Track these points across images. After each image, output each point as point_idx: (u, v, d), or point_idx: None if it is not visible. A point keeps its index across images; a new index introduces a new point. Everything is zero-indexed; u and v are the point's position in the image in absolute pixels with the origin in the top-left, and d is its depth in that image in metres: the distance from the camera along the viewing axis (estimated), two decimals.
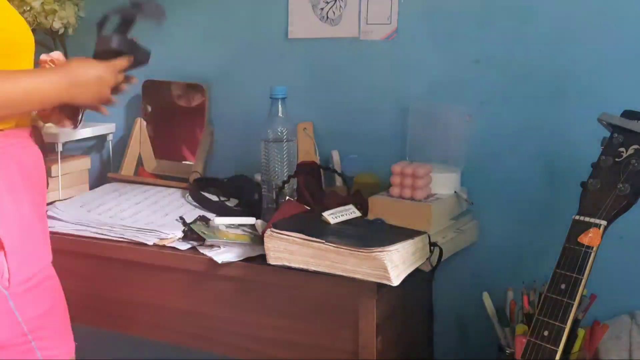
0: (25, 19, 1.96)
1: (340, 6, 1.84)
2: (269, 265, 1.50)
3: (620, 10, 1.57)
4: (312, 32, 1.89)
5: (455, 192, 1.64)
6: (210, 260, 1.53)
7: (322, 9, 1.86)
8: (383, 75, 1.82)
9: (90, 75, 1.31)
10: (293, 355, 1.53)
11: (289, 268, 1.45)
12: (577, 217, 1.25)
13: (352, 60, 1.85)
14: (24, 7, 1.97)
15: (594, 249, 1.22)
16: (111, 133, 2.15)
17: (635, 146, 1.25)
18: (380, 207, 1.59)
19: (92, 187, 2.18)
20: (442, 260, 1.52)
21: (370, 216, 1.61)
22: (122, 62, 1.37)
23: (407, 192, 1.58)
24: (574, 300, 1.21)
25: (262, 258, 1.53)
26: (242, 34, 1.98)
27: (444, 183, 1.63)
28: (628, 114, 1.29)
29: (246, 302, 1.56)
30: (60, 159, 2.02)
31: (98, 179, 2.21)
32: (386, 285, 1.40)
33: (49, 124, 1.69)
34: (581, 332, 1.43)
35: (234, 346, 1.60)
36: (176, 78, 2.09)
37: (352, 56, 1.85)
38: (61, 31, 2.04)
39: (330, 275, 1.44)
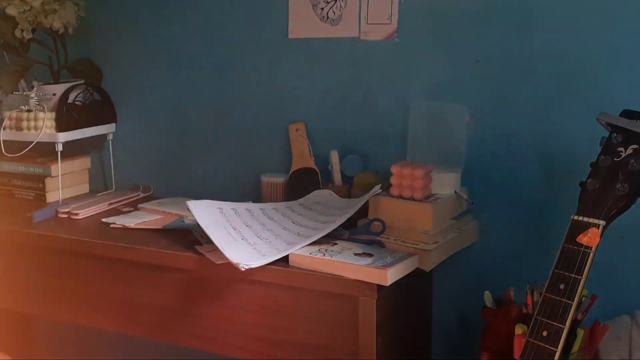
0: (25, 18, 1.97)
1: (340, 6, 1.84)
2: (269, 265, 1.50)
3: (620, 10, 1.57)
4: (312, 32, 1.88)
5: (455, 192, 1.64)
6: (210, 260, 1.53)
7: (322, 9, 1.86)
8: (383, 75, 1.82)
9: None
10: (293, 355, 1.53)
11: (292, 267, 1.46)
12: (575, 217, 1.24)
13: (352, 60, 1.85)
14: (24, 7, 1.97)
15: (593, 249, 1.21)
16: (111, 133, 2.15)
17: (634, 146, 1.24)
18: (380, 207, 1.59)
19: (91, 187, 2.18)
20: (442, 259, 1.53)
21: (370, 216, 1.61)
22: None
23: (407, 192, 1.58)
24: (573, 301, 1.21)
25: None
26: (242, 34, 1.98)
27: (444, 183, 1.63)
28: (627, 114, 1.29)
29: (246, 302, 1.56)
30: (60, 159, 2.02)
31: (98, 179, 2.21)
32: (386, 285, 1.40)
33: None
34: (581, 332, 1.43)
35: (234, 346, 1.60)
36: (176, 78, 2.09)
37: (352, 56, 1.85)
38: (61, 31, 2.03)
39: (331, 275, 1.44)
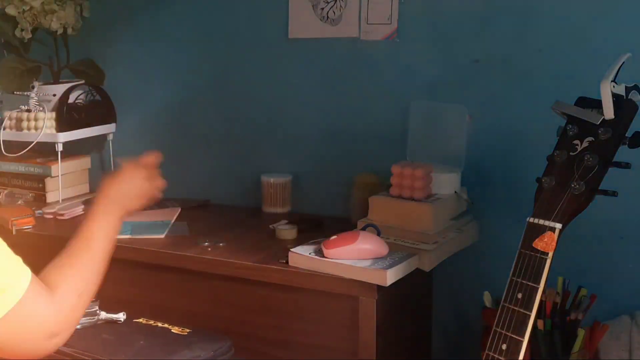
0: (25, 18, 1.97)
1: (340, 6, 1.84)
2: (269, 265, 1.50)
3: (620, 11, 1.57)
4: (312, 32, 1.88)
5: (455, 192, 1.64)
6: (210, 260, 1.54)
7: (322, 9, 1.86)
8: (383, 75, 1.82)
9: (124, 190, 1.27)
10: (293, 355, 1.52)
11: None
12: (531, 220, 1.15)
13: (352, 60, 1.85)
14: (24, 7, 1.97)
15: (550, 254, 1.11)
16: (111, 133, 2.15)
17: (590, 138, 1.11)
18: (381, 207, 1.59)
19: (92, 187, 2.18)
20: (442, 259, 1.53)
21: (370, 216, 1.60)
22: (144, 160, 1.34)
23: (407, 192, 1.57)
24: (532, 312, 1.11)
25: (261, 259, 1.53)
26: (242, 34, 1.98)
27: (444, 183, 1.63)
28: (582, 102, 1.17)
29: (246, 302, 1.56)
30: (60, 159, 2.02)
31: (98, 179, 2.21)
32: (385, 286, 1.40)
33: None
34: (581, 332, 1.43)
35: (234, 346, 1.60)
36: (176, 78, 2.09)
37: (352, 56, 1.85)
38: (60, 31, 2.03)
39: (331, 275, 1.44)
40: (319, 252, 1.48)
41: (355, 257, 1.45)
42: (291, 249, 1.51)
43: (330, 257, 1.46)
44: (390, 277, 1.39)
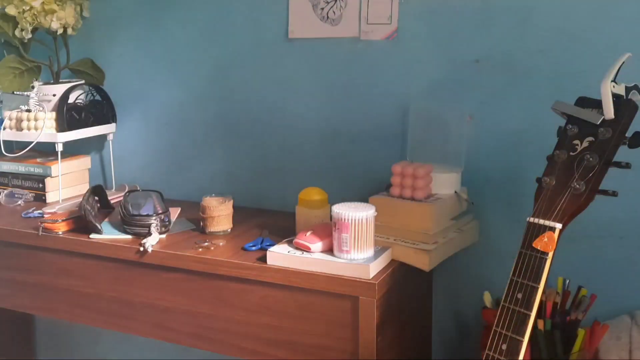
0: (24, 18, 1.97)
1: (341, 6, 1.84)
2: (269, 265, 1.50)
3: (620, 10, 1.57)
4: (312, 32, 1.88)
5: (455, 192, 1.64)
6: (210, 260, 1.54)
7: (322, 9, 1.86)
8: (383, 75, 1.82)
9: None
10: (293, 355, 1.53)
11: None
12: (531, 219, 1.16)
13: (352, 60, 1.85)
14: (23, 7, 1.97)
15: (550, 254, 1.12)
16: (111, 133, 2.15)
17: (590, 138, 1.12)
18: (381, 207, 1.59)
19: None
20: (442, 259, 1.53)
21: None
22: None
23: (407, 192, 1.58)
24: (531, 311, 1.12)
25: (262, 259, 1.54)
26: (242, 34, 1.98)
27: (444, 183, 1.63)
28: (582, 102, 1.17)
29: (246, 302, 1.57)
30: (60, 159, 2.02)
31: (98, 179, 2.21)
32: (386, 285, 1.40)
33: None
34: (581, 332, 1.43)
35: (234, 346, 1.60)
36: (176, 78, 2.09)
37: (352, 56, 1.85)
38: (60, 31, 2.03)
39: (330, 275, 1.44)
40: (297, 249, 1.50)
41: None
42: (269, 249, 1.52)
43: (316, 251, 1.48)
44: (372, 270, 1.40)
